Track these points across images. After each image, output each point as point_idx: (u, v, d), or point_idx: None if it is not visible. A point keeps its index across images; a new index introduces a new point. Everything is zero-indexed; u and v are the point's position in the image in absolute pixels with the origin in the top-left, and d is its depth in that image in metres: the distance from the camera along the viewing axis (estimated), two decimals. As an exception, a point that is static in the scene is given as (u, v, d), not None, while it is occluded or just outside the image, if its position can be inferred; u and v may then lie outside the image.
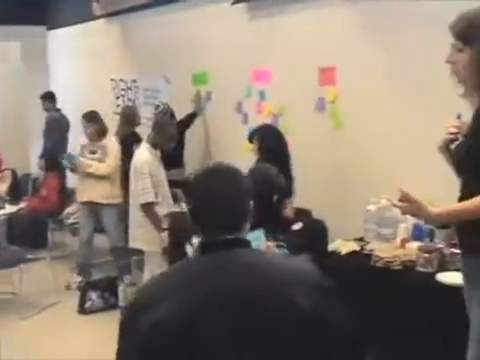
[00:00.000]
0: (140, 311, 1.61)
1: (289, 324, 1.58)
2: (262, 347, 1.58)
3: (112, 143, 6.28)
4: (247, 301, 1.59)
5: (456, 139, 2.62)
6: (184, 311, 1.58)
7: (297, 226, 4.05)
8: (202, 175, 1.80)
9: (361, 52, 4.76)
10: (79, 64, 9.88)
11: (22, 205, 7.07)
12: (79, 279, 6.38)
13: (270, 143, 4.60)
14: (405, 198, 2.39)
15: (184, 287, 1.63)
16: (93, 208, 6.29)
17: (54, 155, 7.72)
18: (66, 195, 7.92)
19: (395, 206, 2.45)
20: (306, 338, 1.59)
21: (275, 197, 2.79)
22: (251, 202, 1.78)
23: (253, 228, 2.59)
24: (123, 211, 6.04)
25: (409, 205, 2.39)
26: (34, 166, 9.26)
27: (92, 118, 6.36)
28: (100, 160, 6.22)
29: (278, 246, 2.67)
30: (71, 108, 9.09)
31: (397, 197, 2.42)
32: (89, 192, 6.26)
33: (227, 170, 1.80)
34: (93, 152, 6.25)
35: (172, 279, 1.70)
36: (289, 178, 4.51)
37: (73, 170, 6.48)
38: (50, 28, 10.91)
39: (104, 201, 6.18)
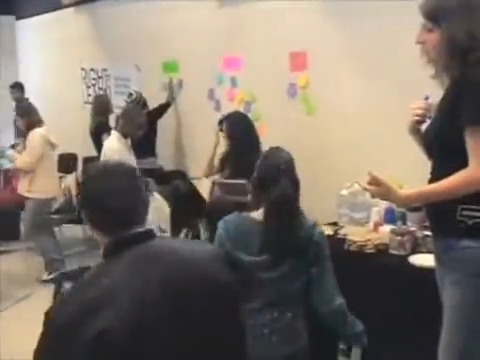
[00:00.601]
0: (79, 321, 1.54)
1: (219, 302, 1.70)
2: (206, 331, 1.67)
3: (35, 137, 6.14)
4: (186, 291, 1.64)
5: (423, 121, 2.63)
6: (131, 313, 1.55)
7: None
8: (96, 177, 1.76)
9: (331, 36, 4.76)
10: (49, 54, 9.76)
11: (-7, 197, 7.01)
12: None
13: (238, 130, 4.58)
14: (374, 181, 2.38)
15: (123, 289, 1.59)
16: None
17: None
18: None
19: (365, 189, 2.45)
20: (230, 309, 1.76)
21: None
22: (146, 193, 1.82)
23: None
24: (41, 206, 6.05)
25: (378, 188, 2.39)
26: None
27: (19, 111, 6.35)
28: (20, 153, 6.21)
29: None
30: (41, 98, 8.98)
31: (367, 181, 2.42)
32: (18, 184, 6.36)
33: (119, 166, 1.79)
34: (17, 145, 6.27)
35: (105, 282, 1.62)
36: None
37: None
38: (19, 18, 10.76)
39: (25, 194, 6.17)
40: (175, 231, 4.16)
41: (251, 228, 2.58)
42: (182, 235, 4.13)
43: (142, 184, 1.80)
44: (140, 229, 1.72)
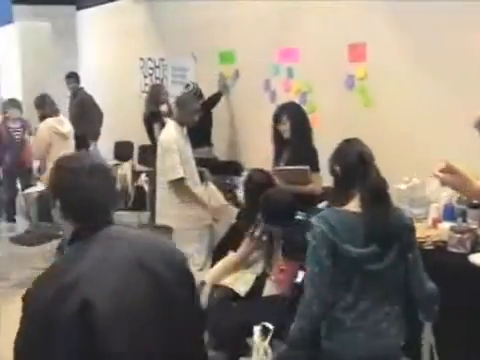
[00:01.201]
0: (58, 300, 1.57)
1: (181, 273, 1.83)
2: (176, 298, 1.77)
3: (42, 127, 6.42)
4: (153, 264, 1.74)
5: None
6: (109, 285, 1.63)
7: (322, 205, 3.99)
8: (74, 171, 1.79)
9: (391, 30, 4.66)
10: (107, 43, 9.88)
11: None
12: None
13: (299, 120, 4.53)
14: (448, 170, 2.24)
15: (98, 266, 1.66)
16: None
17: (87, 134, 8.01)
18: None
19: (435, 176, 2.30)
20: (191, 279, 1.89)
21: None
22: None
23: None
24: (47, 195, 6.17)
25: (452, 176, 2.22)
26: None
27: (35, 102, 6.61)
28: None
29: None
30: (100, 87, 9.10)
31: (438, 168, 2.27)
32: None
33: (93, 162, 1.84)
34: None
35: (80, 262, 1.68)
36: (314, 153, 4.46)
37: None
38: (79, 8, 10.92)
39: None
40: (247, 227, 4.05)
41: (351, 220, 2.53)
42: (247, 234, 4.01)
43: (115, 181, 1.93)
44: (107, 217, 1.81)
